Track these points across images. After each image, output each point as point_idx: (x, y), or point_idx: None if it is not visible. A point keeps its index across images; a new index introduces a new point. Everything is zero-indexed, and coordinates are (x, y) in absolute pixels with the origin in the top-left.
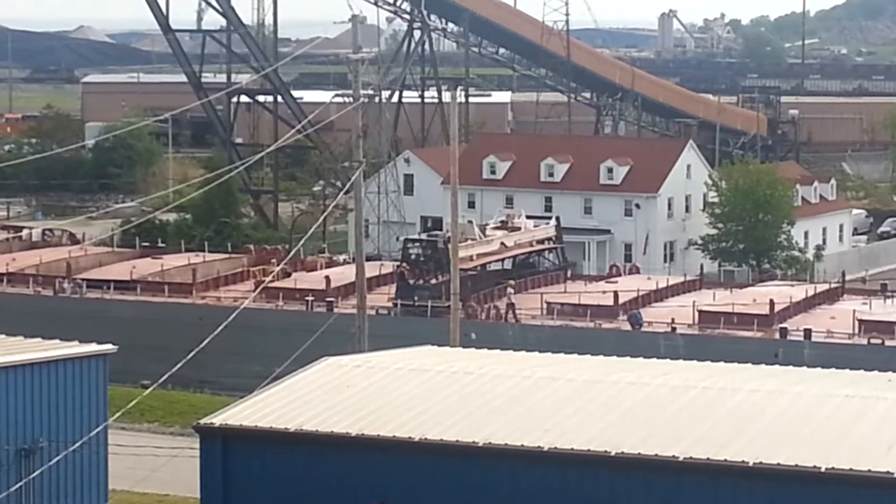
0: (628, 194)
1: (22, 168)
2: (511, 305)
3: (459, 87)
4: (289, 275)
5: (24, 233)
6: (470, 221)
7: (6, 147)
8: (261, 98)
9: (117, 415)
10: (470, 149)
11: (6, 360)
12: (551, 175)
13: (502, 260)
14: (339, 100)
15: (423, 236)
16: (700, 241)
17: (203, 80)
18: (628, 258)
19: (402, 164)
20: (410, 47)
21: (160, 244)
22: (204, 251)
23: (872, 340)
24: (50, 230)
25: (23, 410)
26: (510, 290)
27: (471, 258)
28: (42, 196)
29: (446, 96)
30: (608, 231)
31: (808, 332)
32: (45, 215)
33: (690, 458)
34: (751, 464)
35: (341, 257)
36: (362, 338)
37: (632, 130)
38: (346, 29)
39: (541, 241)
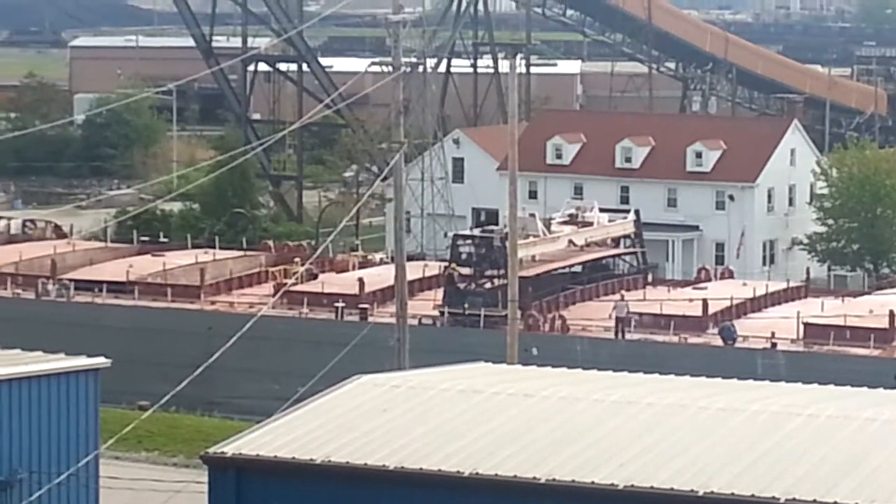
0: (720, 184)
1: None
2: (622, 320)
3: (519, 55)
4: (315, 276)
5: (1, 224)
6: (532, 215)
7: None
8: (282, 66)
9: (110, 441)
10: (531, 128)
11: None
12: (628, 160)
13: (570, 266)
14: (376, 69)
15: (476, 232)
16: (806, 241)
17: (214, 44)
18: (720, 260)
19: (450, 146)
20: (461, 7)
21: (162, 239)
22: (214, 247)
23: None
24: (31, 221)
25: None
26: (622, 299)
27: (533, 258)
28: (22, 181)
29: (503, 66)
30: (696, 227)
31: None
32: (25, 204)
33: (793, 499)
34: None
35: (377, 256)
36: (402, 352)
37: (725, 108)
38: None
39: (616, 240)
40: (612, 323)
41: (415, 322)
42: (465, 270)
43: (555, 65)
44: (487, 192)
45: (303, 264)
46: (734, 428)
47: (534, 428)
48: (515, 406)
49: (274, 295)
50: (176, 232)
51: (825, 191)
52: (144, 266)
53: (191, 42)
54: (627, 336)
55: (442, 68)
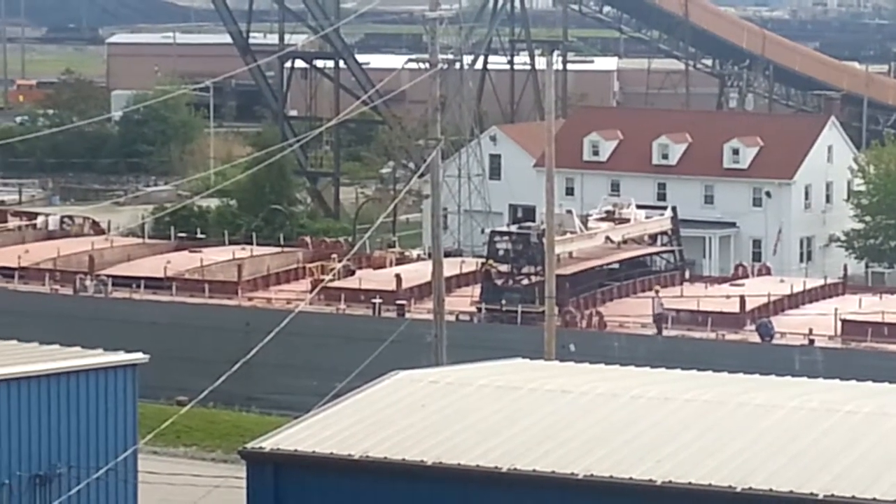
0: (757, 180)
1: (37, 144)
2: (661, 317)
3: (556, 52)
4: (352, 273)
5: (40, 220)
6: (569, 211)
7: (18, 119)
8: (319, 63)
9: (149, 437)
10: (568, 125)
11: (18, 371)
12: (665, 157)
13: (606, 265)
14: (413, 66)
15: (513, 228)
16: (843, 237)
17: (251, 41)
18: (757, 256)
19: (487, 143)
20: (498, 4)
21: (199, 235)
22: (251, 244)
23: None
24: (69, 218)
25: (38, 431)
26: (657, 295)
27: (570, 255)
28: (60, 177)
29: (540, 62)
30: (733, 224)
31: None
32: (63, 200)
33: (832, 495)
34: None
35: (415, 252)
36: (440, 348)
37: (762, 104)
38: None
39: (653, 236)
40: (649, 319)
41: (452, 318)
42: (503, 267)
43: (592, 62)
44: (524, 189)
45: (340, 260)
46: (772, 424)
47: (571, 424)
48: (553, 402)
49: (311, 291)
50: (213, 228)
51: (862, 188)
52: (182, 262)
53: (228, 39)
54: (665, 332)
55: (479, 65)
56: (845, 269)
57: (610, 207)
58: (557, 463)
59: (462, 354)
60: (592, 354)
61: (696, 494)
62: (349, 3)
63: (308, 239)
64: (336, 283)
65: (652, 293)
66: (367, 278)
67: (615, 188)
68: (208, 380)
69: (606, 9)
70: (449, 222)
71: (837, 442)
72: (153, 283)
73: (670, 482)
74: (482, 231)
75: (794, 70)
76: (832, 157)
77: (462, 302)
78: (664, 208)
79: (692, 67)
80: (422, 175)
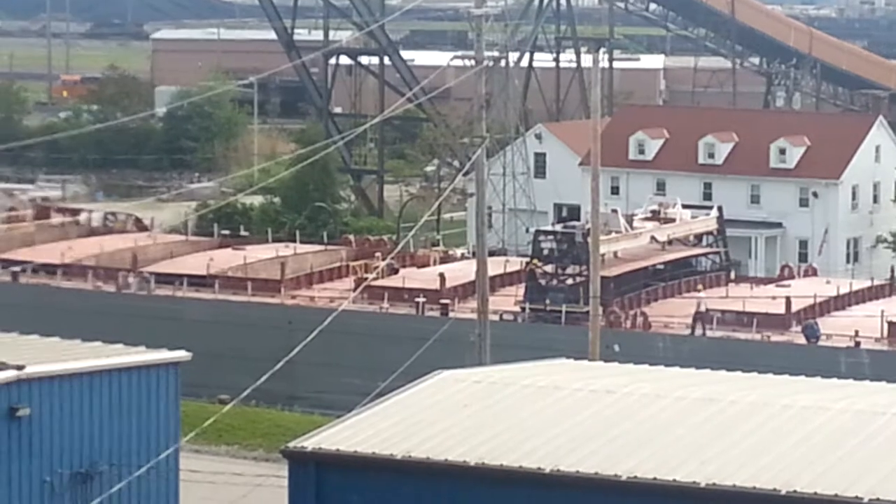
0: (804, 180)
1: (80, 140)
2: (701, 315)
3: (602, 50)
4: (396, 271)
5: (83, 217)
6: (614, 211)
7: (62, 115)
8: (364, 60)
9: (191, 435)
10: (614, 123)
11: (60, 369)
12: (711, 156)
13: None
14: (458, 63)
15: (558, 227)
16: (890, 238)
17: (296, 37)
18: (803, 257)
19: (532, 141)
20: (543, 1)
21: (243, 233)
22: (295, 241)
23: None
24: (112, 214)
25: (80, 428)
26: (700, 294)
27: (615, 255)
28: (104, 174)
29: (586, 60)
30: (779, 224)
31: None
32: (106, 196)
33: (877, 499)
34: None
35: (459, 251)
36: (483, 348)
37: (809, 104)
38: None
39: (699, 236)
40: (708, 321)
41: (496, 318)
42: (547, 266)
43: (638, 59)
44: (569, 188)
45: (384, 259)
46: (817, 427)
47: (615, 425)
48: (597, 403)
49: (355, 289)
50: (257, 226)
51: None
52: (225, 259)
53: (272, 35)
54: (708, 333)
55: (524, 62)
56: (892, 270)
57: (655, 207)
58: (601, 464)
59: (506, 354)
60: (637, 355)
61: (741, 497)
62: (394, 0)
63: (352, 237)
64: (379, 282)
65: (695, 294)
66: (410, 277)
67: (661, 187)
68: (250, 378)
69: (653, 6)
70: (493, 221)
71: (883, 444)
72: (196, 281)
73: (714, 484)
74: (527, 230)
75: (842, 69)
76: (880, 157)
77: (506, 301)
78: (710, 208)
79: (739, 66)
80: (466, 173)
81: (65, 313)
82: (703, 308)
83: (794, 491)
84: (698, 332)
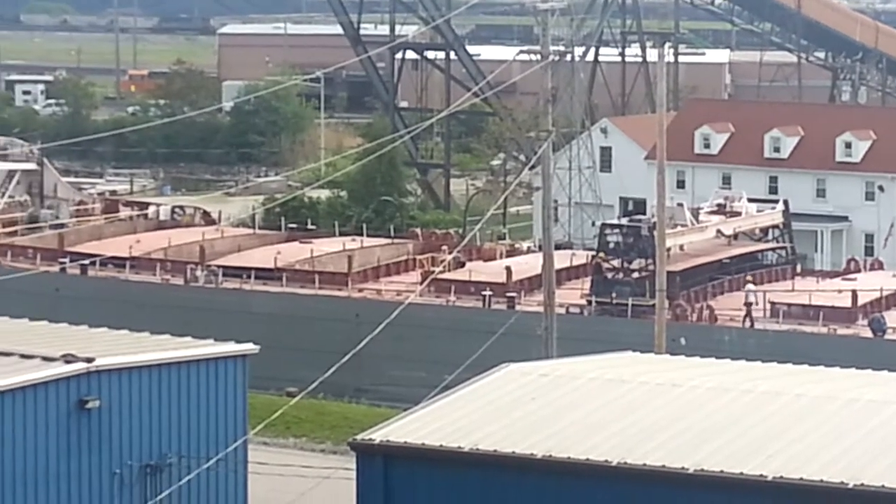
0: (870, 174)
1: (148, 134)
2: (750, 306)
3: (668, 44)
4: (462, 265)
5: (151, 210)
6: (680, 204)
7: (130, 109)
8: (430, 54)
9: (259, 427)
10: (680, 118)
11: (129, 361)
12: (777, 150)
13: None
14: (524, 57)
15: (624, 221)
16: None
17: (362, 32)
18: (869, 251)
19: (598, 135)
20: None
21: (310, 226)
22: (362, 235)
23: None
24: (180, 208)
25: (149, 420)
26: (750, 286)
27: (681, 248)
28: (171, 168)
29: (652, 54)
30: (845, 218)
31: None
32: (174, 190)
33: None
34: None
35: (525, 245)
36: (550, 341)
37: (875, 98)
38: None
39: (764, 230)
40: (760, 313)
41: (562, 311)
42: (613, 260)
43: (703, 54)
44: (635, 182)
45: (450, 252)
46: (884, 420)
47: (682, 418)
48: (663, 396)
49: (421, 283)
50: (323, 219)
51: None
52: (292, 253)
53: (339, 29)
54: (772, 326)
55: (590, 57)
56: None
57: (721, 200)
58: (667, 457)
59: (572, 347)
60: (703, 348)
61: (808, 490)
62: None
63: (418, 230)
64: (446, 275)
65: (748, 286)
66: (477, 270)
67: (726, 181)
68: (318, 371)
69: (718, 1)
70: (559, 215)
71: None
72: (263, 274)
73: (781, 477)
74: (593, 224)
75: None
76: None
77: (572, 295)
78: (776, 202)
79: (804, 60)
80: (532, 167)
81: (133, 306)
82: (751, 300)
83: (862, 484)
84: (747, 324)
